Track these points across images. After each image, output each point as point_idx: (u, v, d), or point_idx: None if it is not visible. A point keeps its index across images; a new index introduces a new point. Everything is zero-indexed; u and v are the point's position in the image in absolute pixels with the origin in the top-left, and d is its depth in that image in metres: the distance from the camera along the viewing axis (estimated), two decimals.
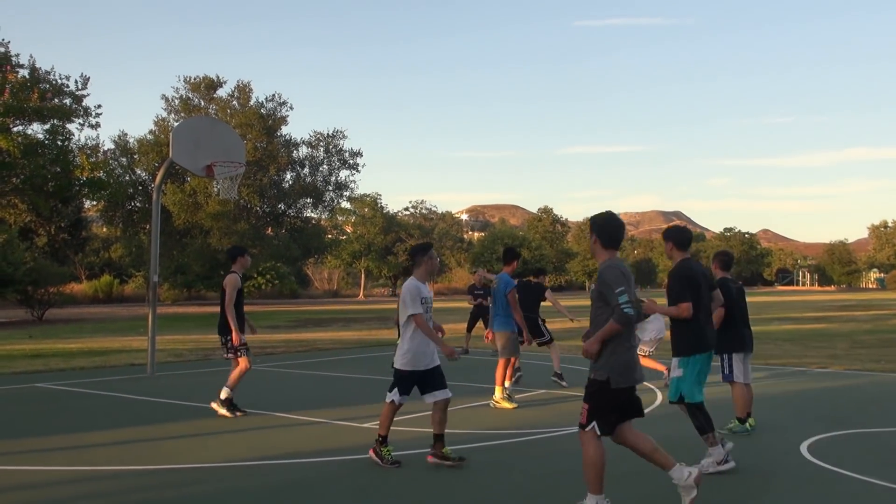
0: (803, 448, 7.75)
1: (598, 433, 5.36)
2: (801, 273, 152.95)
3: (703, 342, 6.90)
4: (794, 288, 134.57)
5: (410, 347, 7.03)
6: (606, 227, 5.72)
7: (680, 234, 7.19)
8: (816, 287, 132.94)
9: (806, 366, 15.02)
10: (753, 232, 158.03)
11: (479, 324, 18.03)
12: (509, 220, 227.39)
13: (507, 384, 10.70)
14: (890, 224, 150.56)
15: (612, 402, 5.38)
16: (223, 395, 9.45)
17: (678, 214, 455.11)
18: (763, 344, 19.93)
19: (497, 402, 10.39)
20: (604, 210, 6.03)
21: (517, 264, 11.30)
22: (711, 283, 7.37)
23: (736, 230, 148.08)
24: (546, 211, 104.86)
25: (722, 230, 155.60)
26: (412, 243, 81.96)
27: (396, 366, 7.11)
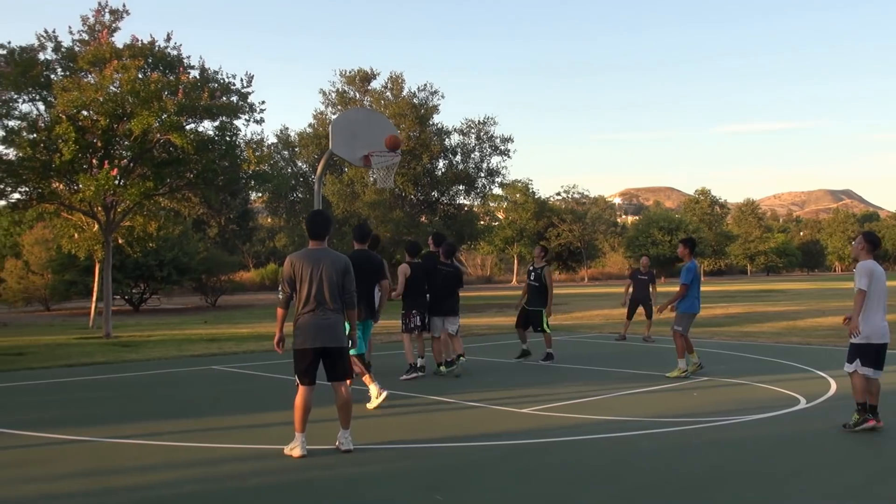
0: None
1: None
2: None
3: None
4: None
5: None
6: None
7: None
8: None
9: None
10: None
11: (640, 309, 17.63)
12: (665, 202, 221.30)
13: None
14: None
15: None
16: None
17: (848, 193, 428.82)
18: None
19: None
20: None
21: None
22: None
23: None
24: (703, 192, 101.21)
25: None
26: (563, 228, 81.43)
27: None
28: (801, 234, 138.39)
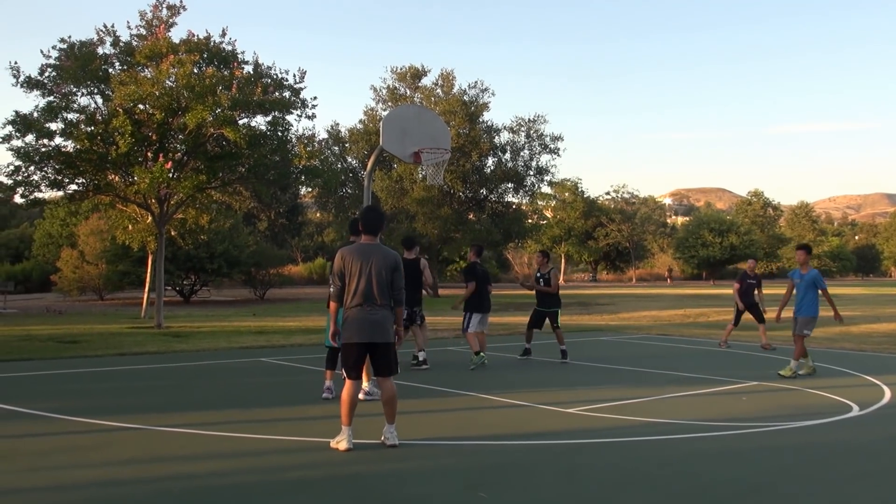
0: None
1: None
2: None
3: None
4: None
5: None
6: None
7: None
8: None
9: None
10: None
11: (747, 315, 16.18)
12: (716, 203, 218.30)
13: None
14: None
15: None
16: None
17: None
18: None
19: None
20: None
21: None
22: None
23: None
24: (756, 194, 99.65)
25: None
26: (612, 228, 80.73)
27: None
28: (857, 238, 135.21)
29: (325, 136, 48.33)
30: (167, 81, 18.32)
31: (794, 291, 12.27)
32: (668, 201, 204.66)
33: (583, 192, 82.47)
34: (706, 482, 6.06)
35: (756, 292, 16.31)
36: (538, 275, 14.03)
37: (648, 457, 6.80)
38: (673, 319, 23.93)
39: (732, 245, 79.91)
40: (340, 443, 6.80)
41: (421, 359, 12.20)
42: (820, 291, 11.92)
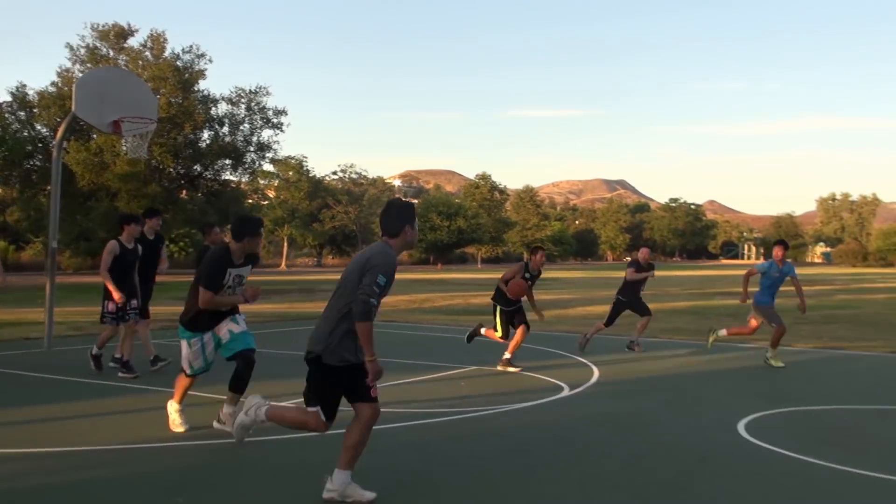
0: (741, 426, 7.97)
1: None
2: (746, 246, 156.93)
3: None
4: (739, 262, 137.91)
5: None
6: None
7: None
8: (762, 261, 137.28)
9: (747, 342, 15.40)
10: (700, 203, 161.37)
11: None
12: (445, 186, 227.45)
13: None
14: (838, 196, 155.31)
15: None
16: None
17: (622, 183, 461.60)
18: (705, 319, 20.42)
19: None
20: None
21: None
22: None
23: (682, 201, 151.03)
24: (484, 177, 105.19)
25: (667, 200, 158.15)
26: (339, 210, 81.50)
27: None
28: (577, 222, 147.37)
29: (8, 98, 44.42)
30: None
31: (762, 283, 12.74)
32: (397, 183, 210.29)
33: (308, 171, 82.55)
34: (412, 472, 6.33)
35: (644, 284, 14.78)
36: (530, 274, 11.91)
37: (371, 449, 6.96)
38: (398, 305, 24.65)
39: (460, 229, 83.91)
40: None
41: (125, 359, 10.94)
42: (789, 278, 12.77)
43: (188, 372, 7.38)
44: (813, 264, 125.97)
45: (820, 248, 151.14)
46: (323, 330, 5.43)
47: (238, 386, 7.29)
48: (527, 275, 11.72)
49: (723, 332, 13.31)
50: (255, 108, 47.08)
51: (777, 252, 12.64)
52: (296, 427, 5.94)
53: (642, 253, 15.01)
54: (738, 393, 10.07)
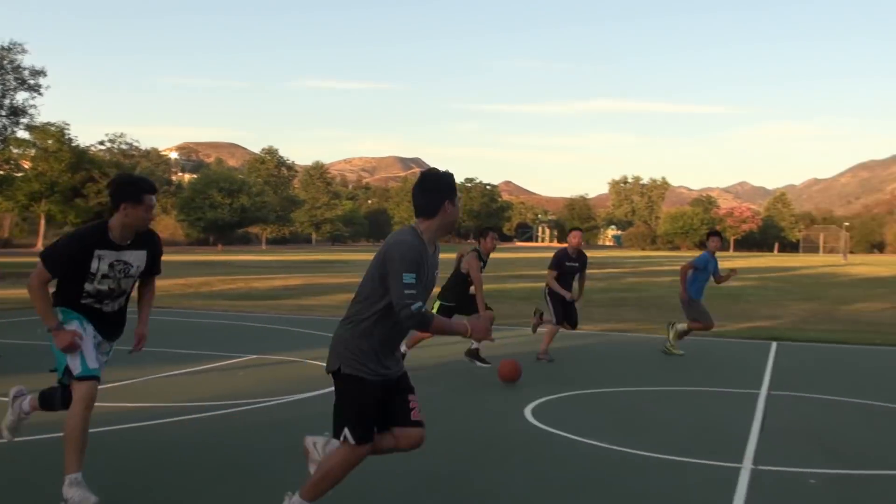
0: (527, 410, 8.36)
1: None
2: (540, 228, 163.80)
3: None
4: (533, 244, 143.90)
5: None
6: None
7: None
8: (556, 244, 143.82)
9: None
10: (495, 183, 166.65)
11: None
12: (228, 160, 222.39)
13: None
14: (630, 179, 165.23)
15: None
16: None
17: (417, 161, 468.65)
18: (497, 303, 21.14)
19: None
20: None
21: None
22: None
23: (477, 181, 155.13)
24: (270, 152, 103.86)
25: (463, 180, 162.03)
26: (105, 184, 77.73)
27: None
28: (370, 202, 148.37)
29: None
30: None
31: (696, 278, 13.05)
32: (174, 156, 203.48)
33: (70, 140, 78.08)
34: (184, 470, 6.22)
35: (578, 277, 12.53)
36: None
37: (121, 448, 6.73)
38: (172, 290, 23.88)
39: (244, 207, 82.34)
40: None
41: None
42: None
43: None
44: (604, 247, 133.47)
45: (611, 231, 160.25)
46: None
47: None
48: (481, 263, 11.62)
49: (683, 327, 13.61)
50: (9, 66, 44.15)
51: (713, 243, 13.23)
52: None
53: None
54: (527, 377, 10.49)
